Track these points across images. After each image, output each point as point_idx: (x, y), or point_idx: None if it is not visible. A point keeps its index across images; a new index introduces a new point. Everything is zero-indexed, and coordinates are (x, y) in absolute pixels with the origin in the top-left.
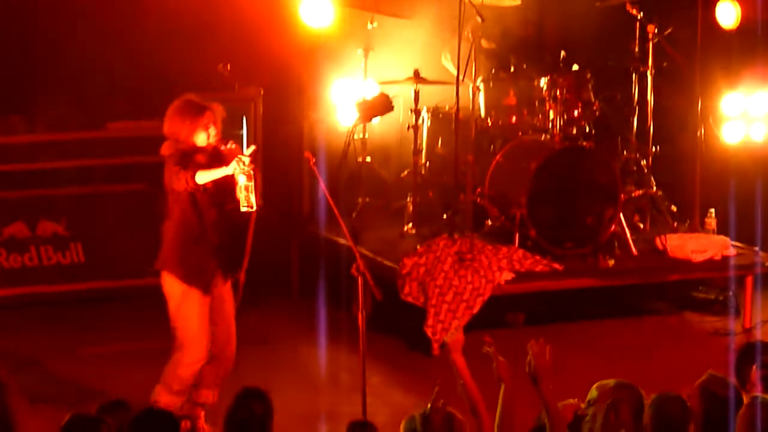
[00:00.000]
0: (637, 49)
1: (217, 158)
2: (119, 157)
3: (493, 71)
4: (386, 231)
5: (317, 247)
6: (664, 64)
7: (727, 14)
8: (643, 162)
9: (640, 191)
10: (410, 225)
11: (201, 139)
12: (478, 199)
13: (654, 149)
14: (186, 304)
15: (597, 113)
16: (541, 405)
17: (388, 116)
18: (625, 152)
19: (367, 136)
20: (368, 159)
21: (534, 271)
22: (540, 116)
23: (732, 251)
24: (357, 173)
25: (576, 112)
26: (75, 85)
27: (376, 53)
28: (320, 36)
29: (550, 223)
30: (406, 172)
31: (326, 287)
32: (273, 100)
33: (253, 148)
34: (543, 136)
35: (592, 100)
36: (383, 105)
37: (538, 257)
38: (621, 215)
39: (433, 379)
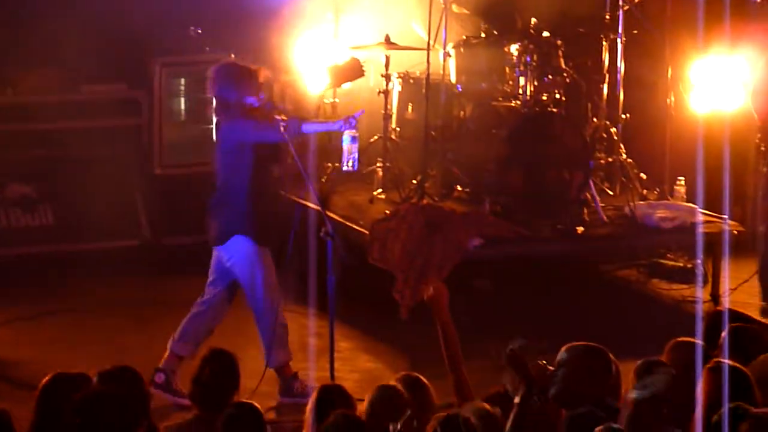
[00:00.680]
0: (608, 17)
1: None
2: (88, 120)
3: (464, 37)
4: (356, 196)
5: (287, 211)
6: (635, 32)
7: None
8: (613, 129)
9: (610, 158)
10: (380, 190)
11: (249, 101)
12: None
13: (624, 117)
14: (260, 263)
15: (567, 80)
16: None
17: (359, 81)
18: (595, 119)
19: (337, 101)
20: None
21: (503, 237)
22: (510, 83)
23: (700, 219)
24: (327, 138)
25: (546, 79)
26: (47, 48)
27: (347, 18)
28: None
29: (519, 190)
30: (376, 137)
31: (295, 251)
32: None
33: (362, 111)
34: (513, 102)
35: (563, 67)
36: (354, 70)
37: (507, 223)
38: (590, 182)
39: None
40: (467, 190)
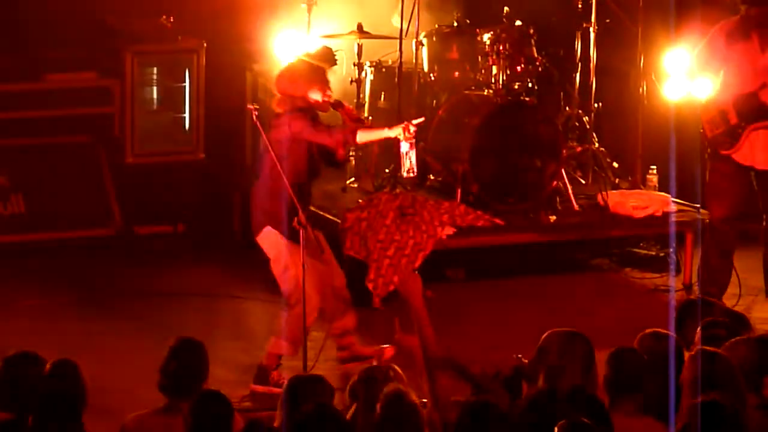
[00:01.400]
0: (580, 6)
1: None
2: (58, 108)
3: (437, 26)
4: (328, 185)
5: None
6: (607, 21)
7: None
8: (586, 118)
9: (582, 147)
10: (352, 179)
11: (315, 97)
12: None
13: (596, 105)
14: (291, 259)
15: (540, 69)
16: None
17: (331, 70)
18: (567, 108)
19: None
20: None
21: (476, 226)
22: (483, 71)
23: (673, 208)
24: None
25: (519, 68)
26: (13, 35)
27: (320, 6)
28: None
29: (492, 178)
30: None
31: None
32: (215, 52)
33: (421, 119)
34: (486, 91)
35: (535, 55)
36: (326, 59)
37: (479, 212)
38: (563, 171)
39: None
40: (440, 179)
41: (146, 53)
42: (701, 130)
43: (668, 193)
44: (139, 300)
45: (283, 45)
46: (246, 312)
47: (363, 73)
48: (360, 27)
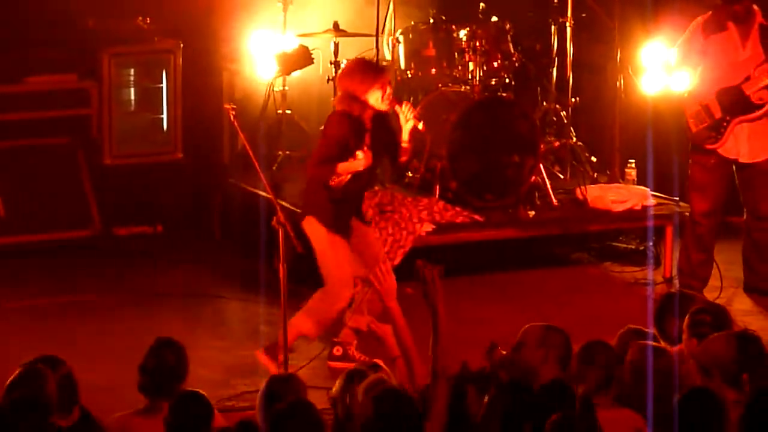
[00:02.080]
0: (556, 1)
1: (380, 121)
2: (38, 111)
3: (413, 23)
4: None
5: (238, 199)
6: (583, 15)
7: None
8: (563, 113)
9: (560, 142)
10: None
11: (374, 98)
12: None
13: (573, 100)
14: (331, 248)
15: (516, 64)
16: None
17: (308, 69)
18: (544, 103)
19: (287, 89)
20: (288, 111)
21: (454, 223)
22: (459, 68)
23: (651, 201)
24: (277, 126)
25: (495, 64)
26: None
27: (296, 5)
28: None
29: (470, 175)
30: None
31: (247, 239)
32: (192, 52)
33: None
34: (462, 87)
35: (512, 51)
36: (303, 58)
37: (458, 209)
38: (541, 166)
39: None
40: (418, 176)
41: (123, 54)
42: (685, 125)
43: (647, 186)
44: (118, 301)
45: (259, 44)
46: (226, 312)
47: (340, 72)
48: (336, 25)
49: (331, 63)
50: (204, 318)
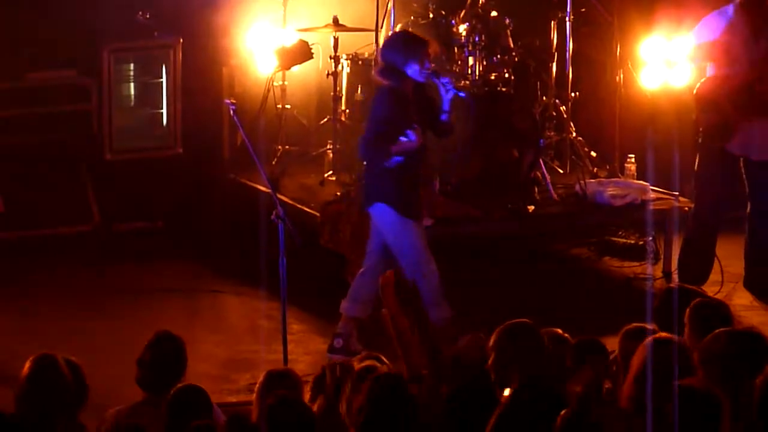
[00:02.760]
0: None
1: (420, 92)
2: (37, 106)
3: (412, 18)
4: (306, 178)
5: (237, 194)
6: (583, 10)
7: None
8: (563, 108)
9: (560, 136)
10: (330, 172)
11: (413, 69)
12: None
13: (573, 95)
14: (404, 232)
15: (516, 59)
16: None
17: (308, 64)
18: (544, 98)
19: (286, 84)
20: (288, 106)
21: (453, 217)
22: (459, 62)
23: (651, 196)
24: (277, 120)
25: (495, 59)
26: None
27: (295, 0)
28: None
29: (469, 169)
30: (325, 119)
31: (247, 234)
32: (192, 47)
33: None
34: (462, 82)
35: (511, 46)
36: (302, 53)
37: (457, 203)
38: (540, 160)
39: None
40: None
41: (123, 50)
42: (695, 121)
43: (646, 180)
44: (118, 296)
45: (258, 39)
46: (226, 307)
47: (339, 66)
48: (336, 20)
49: (330, 58)
50: (203, 313)
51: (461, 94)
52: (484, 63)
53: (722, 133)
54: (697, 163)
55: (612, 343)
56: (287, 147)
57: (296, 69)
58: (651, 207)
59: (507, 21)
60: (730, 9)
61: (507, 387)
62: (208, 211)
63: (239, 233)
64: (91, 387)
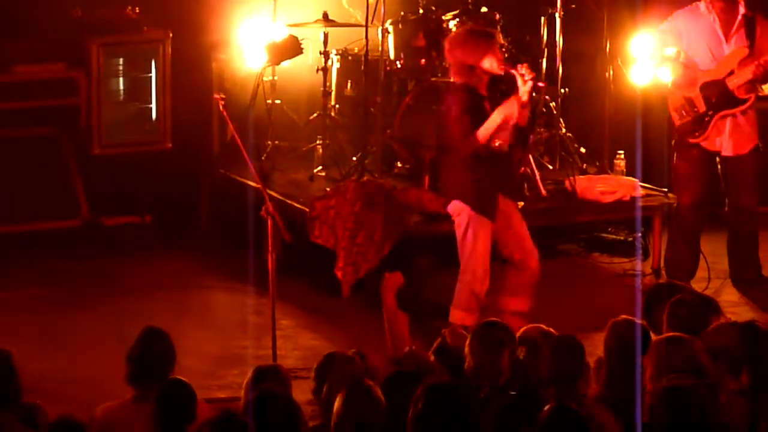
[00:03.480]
0: None
1: (495, 85)
2: (25, 100)
3: (402, 13)
4: (296, 173)
5: (227, 189)
6: (573, 6)
7: None
8: (552, 104)
9: (549, 132)
10: (320, 167)
11: (489, 63)
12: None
13: (563, 91)
14: (472, 231)
15: (506, 55)
16: None
17: (297, 59)
18: (534, 94)
19: (276, 79)
20: (278, 101)
21: (443, 213)
22: None
23: (640, 192)
24: (266, 116)
25: None
26: None
27: None
28: None
29: None
30: (315, 115)
31: (236, 229)
32: (181, 42)
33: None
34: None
35: (501, 42)
36: (292, 48)
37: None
38: (530, 156)
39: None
40: (407, 166)
41: (112, 44)
42: (669, 118)
43: (636, 177)
44: (107, 291)
45: (248, 34)
46: (215, 302)
47: (329, 62)
48: (325, 15)
49: (320, 53)
50: (192, 308)
51: (540, 84)
52: None
53: (695, 129)
54: (674, 163)
55: (599, 339)
56: (277, 142)
57: (286, 64)
58: (640, 203)
59: (497, 17)
60: (702, 5)
61: (482, 389)
62: (196, 206)
63: (228, 228)
64: (79, 382)
